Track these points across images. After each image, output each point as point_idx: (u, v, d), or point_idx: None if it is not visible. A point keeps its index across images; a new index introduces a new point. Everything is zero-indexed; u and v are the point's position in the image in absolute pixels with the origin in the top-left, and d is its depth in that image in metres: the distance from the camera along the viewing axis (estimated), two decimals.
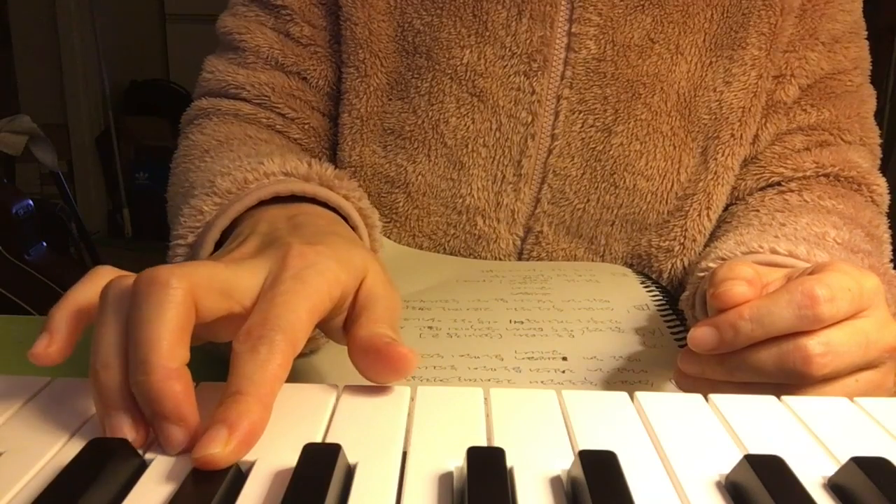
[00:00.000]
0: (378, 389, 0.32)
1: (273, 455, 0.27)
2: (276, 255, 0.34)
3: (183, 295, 0.29)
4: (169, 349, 0.28)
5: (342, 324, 0.36)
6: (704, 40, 0.61)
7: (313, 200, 0.45)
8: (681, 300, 0.52)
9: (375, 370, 0.32)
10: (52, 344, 0.31)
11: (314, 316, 0.32)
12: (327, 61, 0.64)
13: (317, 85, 0.65)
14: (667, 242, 0.64)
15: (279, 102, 0.63)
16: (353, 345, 0.33)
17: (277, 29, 0.64)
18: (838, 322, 0.37)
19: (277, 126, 0.64)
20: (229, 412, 0.27)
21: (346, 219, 0.46)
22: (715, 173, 0.62)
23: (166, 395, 0.27)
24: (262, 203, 0.43)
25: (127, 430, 0.28)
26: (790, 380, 0.37)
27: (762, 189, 0.64)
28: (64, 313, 0.32)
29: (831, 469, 0.27)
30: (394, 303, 0.36)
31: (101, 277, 0.33)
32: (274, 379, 0.29)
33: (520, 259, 0.66)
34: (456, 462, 0.27)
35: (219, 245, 0.43)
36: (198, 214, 0.44)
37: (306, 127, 0.65)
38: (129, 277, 0.31)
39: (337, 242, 0.37)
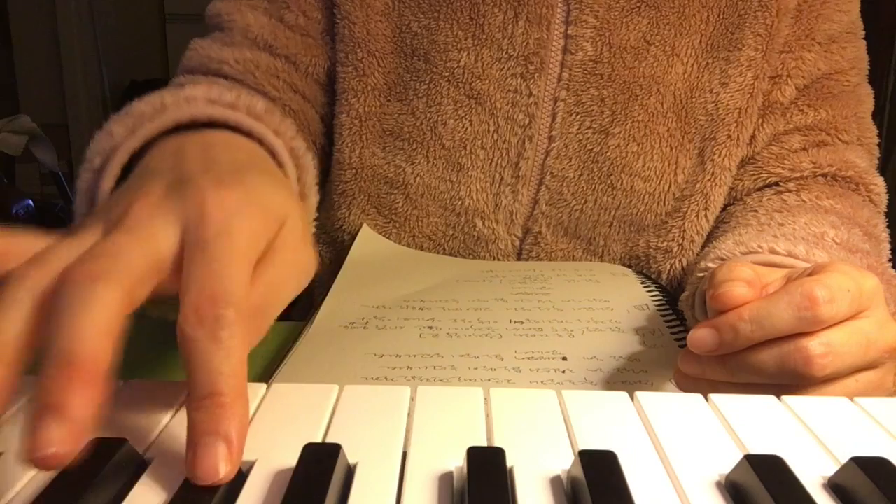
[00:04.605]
0: (378, 389, 0.32)
1: (273, 455, 0.27)
2: (190, 204, 0.30)
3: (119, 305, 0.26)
4: (96, 348, 0.24)
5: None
6: (700, 42, 0.61)
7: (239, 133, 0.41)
8: (680, 300, 0.53)
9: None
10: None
11: (249, 276, 0.29)
12: (318, 51, 0.64)
13: (305, 71, 0.63)
14: (665, 243, 0.64)
15: (262, 80, 0.61)
16: None
17: (271, 13, 0.63)
18: (838, 323, 0.37)
19: None
20: (220, 422, 0.25)
21: (274, 156, 0.42)
22: (712, 174, 0.62)
23: (75, 392, 0.23)
24: (181, 130, 0.39)
25: None
26: (791, 380, 0.37)
27: (760, 189, 0.64)
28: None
29: (831, 469, 0.27)
30: (297, 267, 0.33)
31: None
32: (243, 365, 0.27)
33: (519, 260, 0.66)
34: (456, 462, 0.27)
35: (126, 173, 0.38)
36: (107, 137, 0.40)
37: (287, 109, 0.63)
38: (42, 265, 0.27)
39: (257, 182, 0.33)
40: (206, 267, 0.28)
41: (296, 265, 0.32)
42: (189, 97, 0.40)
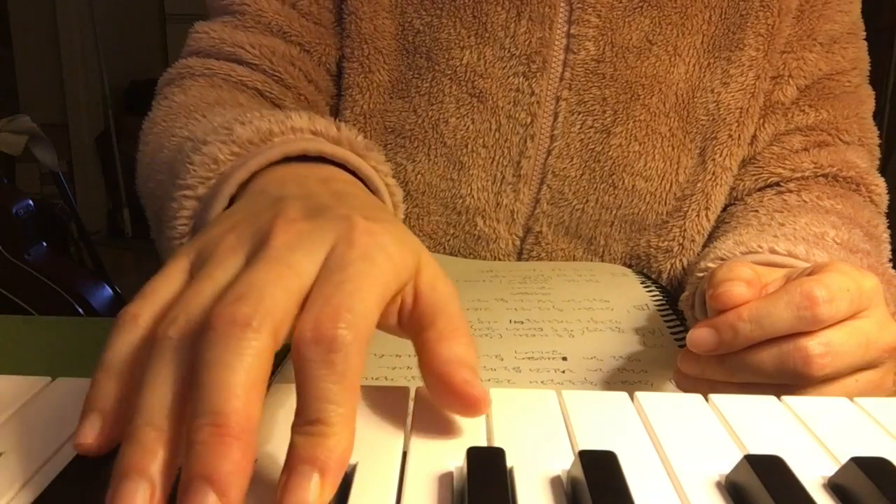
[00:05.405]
0: (378, 389, 0.32)
1: (273, 456, 0.27)
2: (337, 228, 0.28)
3: (266, 342, 0.25)
4: (247, 403, 0.23)
5: (396, 316, 0.31)
6: (702, 42, 0.61)
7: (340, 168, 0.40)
8: (680, 300, 0.53)
9: (446, 403, 0.29)
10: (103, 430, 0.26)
11: (382, 306, 0.27)
12: (330, 40, 0.63)
13: (318, 60, 0.63)
14: (666, 243, 0.64)
15: (279, 67, 0.60)
16: (430, 364, 0.29)
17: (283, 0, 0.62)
18: (837, 322, 0.37)
19: (271, 93, 0.60)
20: (317, 449, 0.24)
21: (375, 194, 0.41)
22: (713, 174, 0.62)
23: (229, 455, 0.22)
24: (281, 162, 0.39)
25: (140, 501, 0.23)
26: (790, 380, 0.37)
27: (761, 189, 0.64)
28: (110, 384, 0.26)
29: (831, 469, 0.27)
30: (457, 300, 0.31)
31: (136, 326, 0.27)
32: (354, 391, 0.25)
33: (519, 259, 0.66)
34: (456, 462, 0.27)
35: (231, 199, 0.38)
36: (211, 164, 0.39)
37: (301, 98, 0.62)
38: (188, 313, 0.26)
39: (392, 220, 0.32)
40: (339, 285, 0.26)
41: (460, 317, 0.30)
42: (295, 128, 0.40)
